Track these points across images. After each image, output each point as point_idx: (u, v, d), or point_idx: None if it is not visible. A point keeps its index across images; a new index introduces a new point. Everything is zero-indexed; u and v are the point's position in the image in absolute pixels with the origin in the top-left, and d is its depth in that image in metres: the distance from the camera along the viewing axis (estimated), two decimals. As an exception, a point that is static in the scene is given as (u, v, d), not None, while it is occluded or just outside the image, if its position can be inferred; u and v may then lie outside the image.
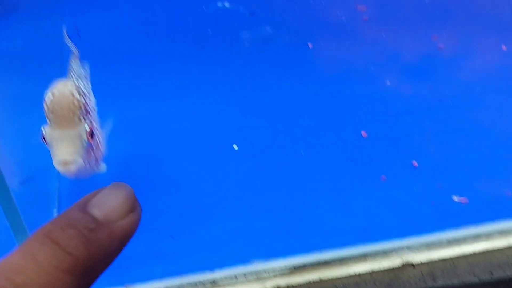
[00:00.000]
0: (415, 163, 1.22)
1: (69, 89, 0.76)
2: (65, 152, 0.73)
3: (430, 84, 1.48)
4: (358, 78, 1.53)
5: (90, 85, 0.92)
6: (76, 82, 0.83)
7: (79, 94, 0.77)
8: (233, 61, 1.64)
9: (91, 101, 0.86)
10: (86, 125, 0.75)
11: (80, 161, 0.74)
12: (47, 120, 0.75)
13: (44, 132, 0.74)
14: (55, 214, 1.09)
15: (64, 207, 1.12)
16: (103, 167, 0.88)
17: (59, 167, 0.73)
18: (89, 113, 0.79)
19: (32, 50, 1.68)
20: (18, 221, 0.81)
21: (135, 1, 1.95)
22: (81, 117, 0.76)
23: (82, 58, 0.97)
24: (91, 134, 0.76)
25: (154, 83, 1.54)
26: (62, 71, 0.93)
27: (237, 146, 1.29)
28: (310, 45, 1.68)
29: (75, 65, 0.90)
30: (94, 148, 0.79)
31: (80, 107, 0.76)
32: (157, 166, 1.26)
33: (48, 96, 0.75)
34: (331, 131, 1.34)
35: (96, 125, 0.82)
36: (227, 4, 1.86)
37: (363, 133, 1.29)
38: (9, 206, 0.79)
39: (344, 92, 1.48)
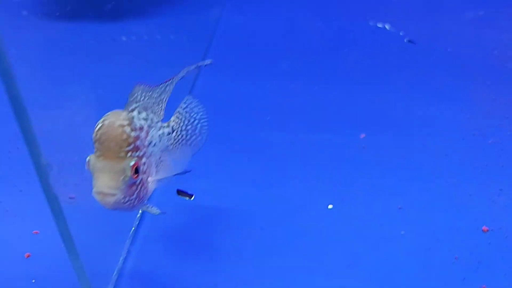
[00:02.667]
0: None
1: (120, 121, 0.74)
2: (104, 184, 0.72)
3: None
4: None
5: (158, 117, 0.88)
6: (136, 113, 0.80)
7: (131, 128, 0.74)
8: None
9: (149, 135, 0.82)
10: (132, 161, 0.73)
11: (118, 195, 0.73)
12: (95, 148, 0.74)
13: (88, 160, 0.73)
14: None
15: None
16: (154, 210, 0.88)
17: (96, 197, 0.73)
18: (140, 149, 0.76)
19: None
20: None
21: (293, 19, 1.98)
22: (128, 152, 0.74)
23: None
24: (136, 171, 0.74)
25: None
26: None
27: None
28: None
29: (145, 94, 0.84)
30: (139, 185, 0.76)
31: (129, 143, 0.74)
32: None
33: (98, 125, 0.73)
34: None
35: (147, 162, 0.80)
36: (387, 26, 1.83)
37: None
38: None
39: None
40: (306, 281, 0.97)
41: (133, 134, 0.74)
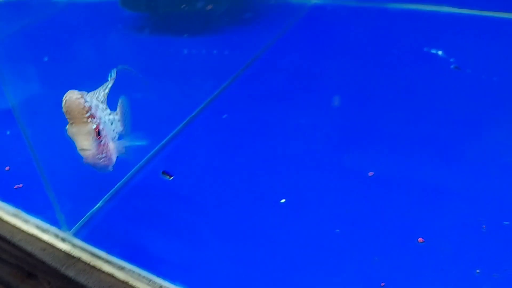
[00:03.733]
0: None
1: (76, 95, 0.96)
2: (82, 143, 0.96)
3: None
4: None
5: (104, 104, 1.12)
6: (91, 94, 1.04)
7: (85, 100, 0.96)
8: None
9: (98, 112, 1.04)
10: (93, 125, 0.97)
11: (94, 150, 0.97)
12: (67, 119, 0.97)
13: (66, 129, 0.97)
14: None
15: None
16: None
17: (80, 153, 0.99)
18: (95, 117, 0.98)
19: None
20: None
21: (337, 43, 2.09)
22: (88, 118, 0.96)
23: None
24: (98, 133, 0.97)
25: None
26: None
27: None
28: None
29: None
30: (103, 145, 1.00)
31: (86, 111, 0.96)
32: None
33: (63, 102, 0.96)
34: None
35: (104, 131, 1.02)
36: (440, 52, 1.85)
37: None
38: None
39: None
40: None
41: (87, 104, 0.99)
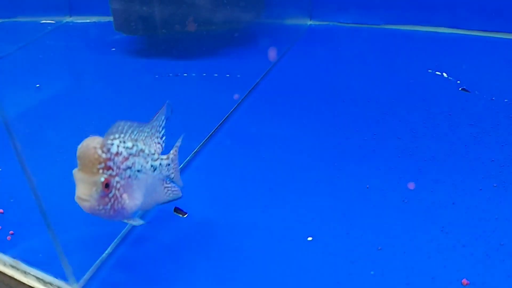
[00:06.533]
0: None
1: (94, 144, 0.88)
2: (81, 192, 0.87)
3: None
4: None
5: (152, 148, 1.03)
6: (117, 142, 0.92)
7: (103, 151, 0.88)
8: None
9: (129, 160, 0.95)
10: (102, 177, 0.87)
11: (92, 202, 0.87)
12: (77, 163, 0.89)
13: (73, 172, 0.89)
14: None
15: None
16: (137, 221, 0.99)
17: (76, 201, 0.89)
18: (112, 169, 0.89)
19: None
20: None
21: (349, 65, 2.01)
22: (100, 170, 0.87)
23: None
24: (106, 185, 0.88)
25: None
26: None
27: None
28: None
29: (129, 129, 0.97)
30: (111, 198, 0.90)
31: (100, 162, 0.87)
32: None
33: (79, 146, 0.89)
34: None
35: (123, 182, 0.93)
36: (445, 74, 1.78)
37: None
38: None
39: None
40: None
41: (104, 155, 0.89)
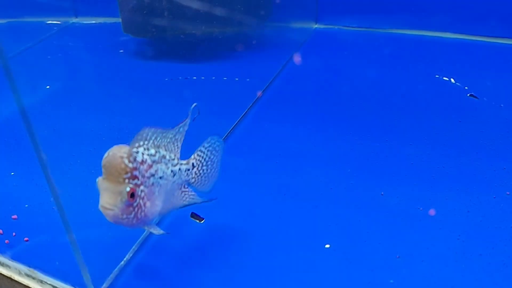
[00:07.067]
0: None
1: (121, 154, 0.87)
2: (105, 201, 0.86)
3: None
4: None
5: (173, 154, 1.01)
6: (142, 150, 0.92)
7: (129, 160, 0.87)
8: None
9: (153, 168, 0.94)
10: (128, 187, 0.86)
11: (116, 211, 0.86)
12: (102, 172, 0.88)
13: (97, 180, 0.88)
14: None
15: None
16: (157, 230, 0.98)
17: (100, 209, 0.87)
18: (137, 178, 0.88)
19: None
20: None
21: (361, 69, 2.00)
22: (126, 179, 0.86)
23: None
24: (132, 195, 0.87)
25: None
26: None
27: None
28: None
29: (155, 135, 0.96)
30: (136, 207, 0.89)
31: (126, 171, 0.86)
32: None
33: (105, 155, 0.87)
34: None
35: (146, 190, 0.92)
36: (452, 80, 1.78)
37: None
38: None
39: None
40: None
41: (130, 165, 0.88)
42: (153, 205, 0.94)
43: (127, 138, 0.93)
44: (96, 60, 2.16)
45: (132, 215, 0.89)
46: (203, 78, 1.97)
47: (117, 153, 0.87)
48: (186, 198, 1.08)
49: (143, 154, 0.91)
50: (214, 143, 1.12)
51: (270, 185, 1.34)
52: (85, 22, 2.61)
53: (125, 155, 0.87)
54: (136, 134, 0.92)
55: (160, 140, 0.98)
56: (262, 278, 1.04)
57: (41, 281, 1.04)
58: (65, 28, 2.57)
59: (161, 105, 1.77)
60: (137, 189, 0.89)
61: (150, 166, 0.93)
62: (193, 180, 1.08)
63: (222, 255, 1.11)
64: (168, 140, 1.00)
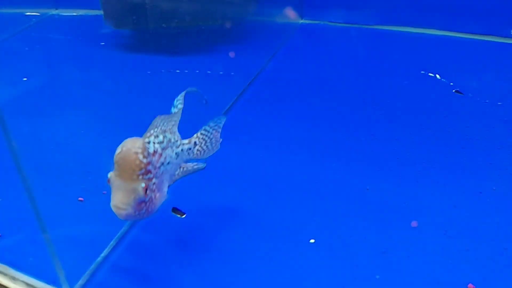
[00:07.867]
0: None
1: (135, 149, 0.81)
2: (119, 200, 0.81)
3: None
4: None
5: (176, 136, 0.97)
6: (153, 138, 0.88)
7: (144, 156, 0.81)
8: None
9: (162, 156, 0.90)
10: (143, 183, 0.81)
11: (130, 210, 0.81)
12: (114, 168, 0.82)
13: (109, 176, 0.82)
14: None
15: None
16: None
17: (112, 209, 0.82)
18: (150, 172, 0.83)
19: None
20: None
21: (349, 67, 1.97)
22: (140, 176, 0.81)
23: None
24: (145, 191, 0.82)
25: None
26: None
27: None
28: None
29: (164, 122, 0.93)
30: (147, 201, 0.84)
31: (141, 168, 0.81)
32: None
33: (118, 150, 0.82)
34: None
35: (157, 182, 0.87)
36: (438, 76, 1.77)
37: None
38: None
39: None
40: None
41: (145, 160, 0.83)
42: (162, 194, 0.90)
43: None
44: (76, 53, 2.09)
45: (143, 210, 0.85)
46: (186, 71, 1.92)
47: (132, 148, 0.81)
48: (182, 172, 1.04)
49: (154, 143, 0.87)
50: (219, 121, 1.10)
51: (253, 179, 1.30)
52: (65, 14, 2.53)
53: (139, 150, 0.82)
54: (151, 124, 0.88)
55: (166, 125, 0.93)
56: (244, 274, 1.01)
57: (13, 278, 0.99)
58: (45, 19, 2.49)
59: (143, 99, 1.72)
60: (150, 183, 0.84)
61: (160, 155, 0.89)
62: (194, 156, 1.04)
63: (203, 250, 1.07)
64: (173, 123, 0.96)
